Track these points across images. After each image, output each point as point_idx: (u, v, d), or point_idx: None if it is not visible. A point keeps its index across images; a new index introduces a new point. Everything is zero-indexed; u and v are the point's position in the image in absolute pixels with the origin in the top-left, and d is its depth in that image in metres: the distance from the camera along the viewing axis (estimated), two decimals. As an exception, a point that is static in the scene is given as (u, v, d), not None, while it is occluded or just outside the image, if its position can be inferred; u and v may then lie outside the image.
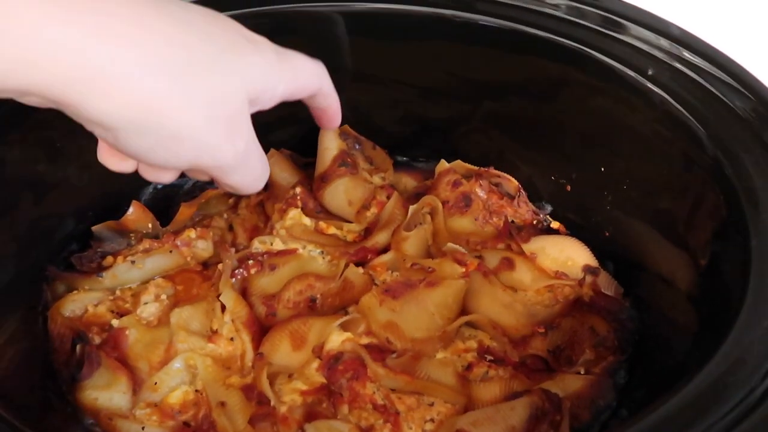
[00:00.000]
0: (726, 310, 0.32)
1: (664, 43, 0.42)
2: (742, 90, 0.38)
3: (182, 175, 0.56)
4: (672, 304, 0.42)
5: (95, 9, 0.28)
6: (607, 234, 0.51)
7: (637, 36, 0.43)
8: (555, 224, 0.55)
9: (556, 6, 0.46)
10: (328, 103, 0.44)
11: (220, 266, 0.49)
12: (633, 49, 0.43)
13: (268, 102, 0.37)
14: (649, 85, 0.42)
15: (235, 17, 0.50)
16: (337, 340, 0.45)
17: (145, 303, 0.48)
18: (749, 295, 0.31)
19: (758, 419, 0.26)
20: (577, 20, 0.45)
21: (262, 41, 0.36)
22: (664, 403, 0.28)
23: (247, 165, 0.36)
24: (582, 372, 0.44)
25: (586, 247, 0.51)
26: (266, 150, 0.56)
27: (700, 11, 0.58)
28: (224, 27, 0.34)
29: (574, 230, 0.53)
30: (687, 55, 0.41)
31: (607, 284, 0.49)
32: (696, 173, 0.39)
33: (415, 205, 0.53)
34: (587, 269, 0.49)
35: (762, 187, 0.34)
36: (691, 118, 0.39)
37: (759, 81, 0.39)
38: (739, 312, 0.31)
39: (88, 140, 0.49)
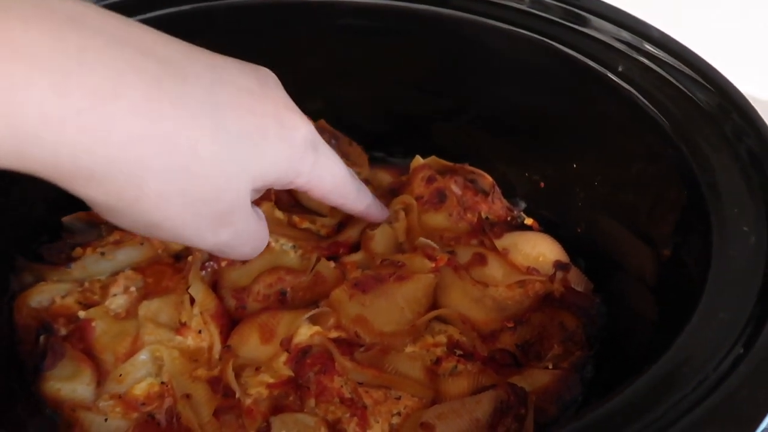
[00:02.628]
0: (686, 302, 0.32)
1: (627, 35, 0.42)
2: (706, 84, 0.39)
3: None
4: (639, 299, 0.42)
5: (103, 111, 0.25)
6: (579, 230, 0.51)
7: (603, 30, 0.44)
8: (529, 221, 0.55)
9: (524, 1, 0.46)
10: (356, 212, 0.42)
11: (190, 258, 0.49)
12: (601, 44, 0.43)
13: (282, 187, 0.35)
14: (618, 80, 0.42)
15: (211, 9, 0.51)
16: (305, 333, 0.45)
17: (114, 295, 0.48)
18: (708, 287, 0.31)
19: (709, 407, 0.26)
20: (547, 15, 0.45)
21: (300, 125, 0.33)
22: (619, 394, 0.28)
23: (232, 247, 0.34)
24: (550, 367, 0.44)
25: (557, 243, 0.51)
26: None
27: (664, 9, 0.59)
28: (258, 109, 0.31)
29: (548, 227, 0.54)
30: (651, 48, 0.41)
31: (577, 280, 0.49)
32: (662, 167, 0.39)
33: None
34: (558, 265, 0.49)
35: (723, 180, 0.35)
36: (657, 112, 0.39)
37: (722, 75, 0.39)
38: (697, 304, 0.31)
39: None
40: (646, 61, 0.42)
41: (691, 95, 0.39)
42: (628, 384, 0.28)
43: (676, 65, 0.41)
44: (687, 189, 0.37)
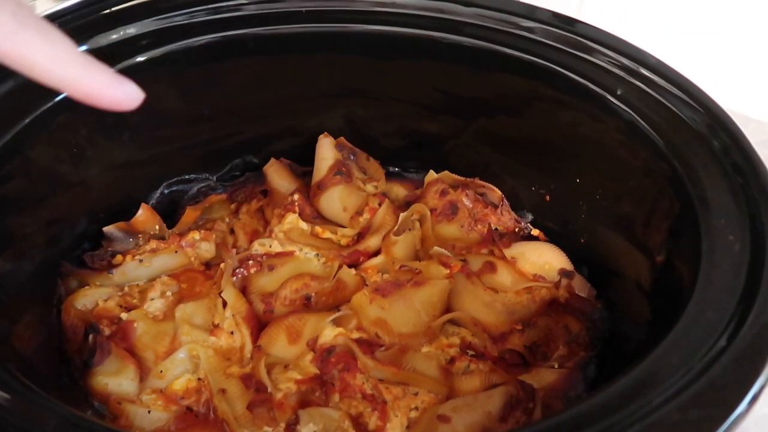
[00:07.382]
0: (676, 304, 0.36)
1: (625, 61, 0.46)
2: (695, 105, 0.43)
3: (187, 182, 0.61)
4: (637, 303, 0.45)
5: None
6: (583, 241, 0.55)
7: (604, 56, 0.48)
8: (535, 231, 0.58)
9: (530, 29, 0.50)
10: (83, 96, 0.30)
11: (222, 265, 0.53)
12: (602, 69, 0.47)
13: None
14: (617, 102, 0.46)
15: (243, 37, 0.55)
16: (329, 334, 0.49)
17: (152, 299, 0.51)
18: (696, 289, 0.35)
19: (695, 391, 0.29)
20: (550, 42, 0.49)
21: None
22: (616, 382, 0.31)
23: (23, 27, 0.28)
24: (556, 366, 0.47)
25: (562, 252, 0.55)
26: (266, 159, 0.61)
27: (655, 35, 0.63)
28: None
29: (553, 237, 0.57)
30: (647, 73, 0.45)
31: (581, 287, 0.53)
32: (656, 181, 0.43)
33: (405, 213, 0.57)
34: (563, 273, 0.53)
35: (711, 193, 0.38)
36: (651, 131, 0.43)
37: (709, 96, 0.43)
38: (686, 304, 0.34)
39: (105, 145, 0.53)
40: (642, 85, 0.46)
41: (682, 115, 0.43)
42: (625, 372, 0.31)
43: (668, 88, 0.44)
44: (679, 201, 0.40)
